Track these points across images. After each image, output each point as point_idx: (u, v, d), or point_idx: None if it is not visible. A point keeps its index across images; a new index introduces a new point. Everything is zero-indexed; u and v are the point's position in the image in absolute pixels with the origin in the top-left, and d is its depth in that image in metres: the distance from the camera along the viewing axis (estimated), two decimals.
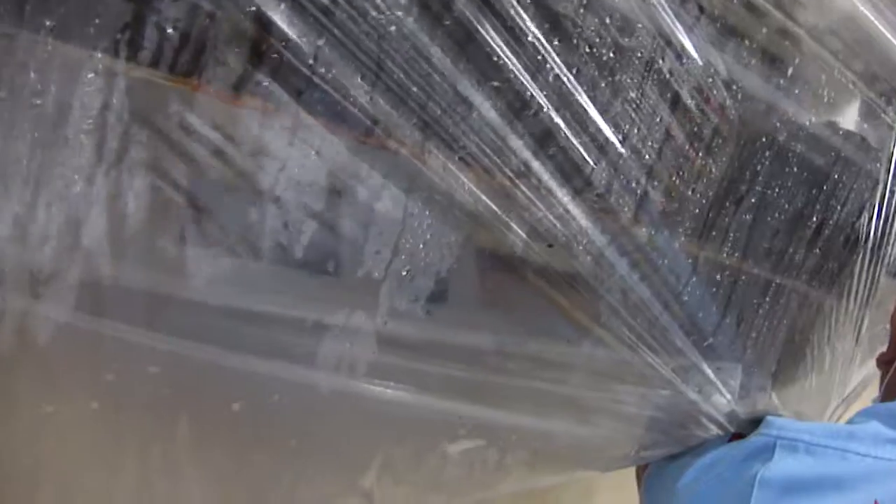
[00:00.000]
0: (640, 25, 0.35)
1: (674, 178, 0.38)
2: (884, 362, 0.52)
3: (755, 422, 0.45)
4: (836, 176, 0.44)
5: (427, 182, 0.33)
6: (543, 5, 0.33)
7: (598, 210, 0.36)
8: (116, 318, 0.33)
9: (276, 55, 0.29)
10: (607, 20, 0.34)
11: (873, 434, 0.41)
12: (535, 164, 0.34)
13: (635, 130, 0.36)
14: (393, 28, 0.30)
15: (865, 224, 0.46)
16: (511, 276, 0.37)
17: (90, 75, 0.29)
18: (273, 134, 0.31)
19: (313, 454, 0.40)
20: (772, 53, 0.40)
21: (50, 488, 0.38)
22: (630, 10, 0.35)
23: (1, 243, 0.30)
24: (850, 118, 0.45)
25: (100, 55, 0.28)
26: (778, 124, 0.41)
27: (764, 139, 0.41)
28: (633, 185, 0.36)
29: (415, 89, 0.31)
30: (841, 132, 0.44)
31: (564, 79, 0.33)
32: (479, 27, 0.31)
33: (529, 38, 0.32)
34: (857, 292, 0.47)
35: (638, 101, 0.36)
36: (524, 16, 0.32)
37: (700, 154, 0.39)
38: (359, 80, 0.30)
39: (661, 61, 0.36)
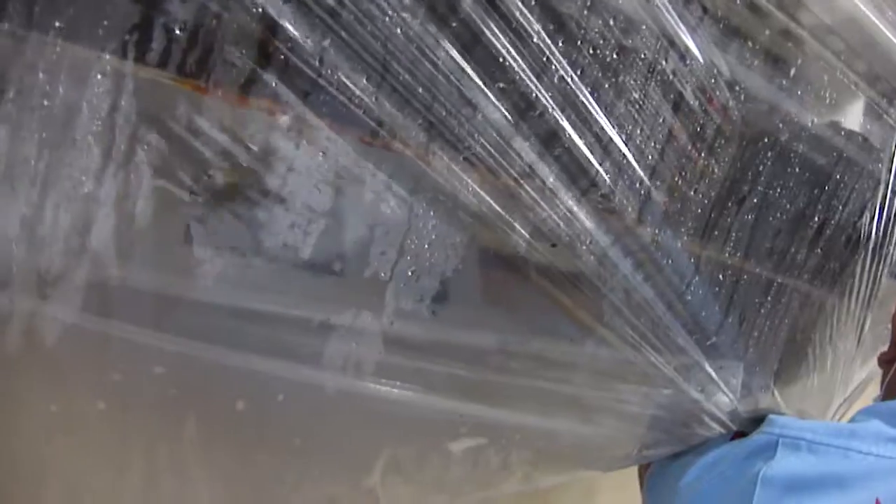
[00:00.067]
0: (643, 26, 0.35)
1: (677, 179, 0.38)
2: (885, 361, 0.52)
3: (757, 420, 0.45)
4: (838, 176, 0.44)
5: (432, 183, 0.33)
6: (548, 7, 0.33)
7: (602, 210, 0.36)
8: (123, 319, 0.33)
9: (282, 57, 0.29)
10: (611, 21, 0.34)
11: (875, 432, 0.41)
12: (540, 165, 0.34)
13: (639, 131, 0.36)
14: (399, 30, 0.30)
15: (867, 224, 0.46)
16: (515, 275, 0.37)
17: (98, 76, 0.29)
18: (280, 135, 0.31)
19: (319, 454, 0.40)
20: (774, 54, 0.41)
21: (57, 488, 0.38)
22: (634, 11, 0.35)
23: (9, 244, 0.30)
24: (852, 118, 0.45)
25: (108, 56, 0.28)
26: (780, 125, 0.42)
27: (766, 139, 0.41)
28: (637, 185, 0.36)
29: (420, 90, 0.31)
30: (843, 132, 0.44)
31: (569, 80, 0.33)
32: (484, 28, 0.31)
33: (534, 40, 0.32)
34: (858, 292, 0.47)
35: (641, 102, 0.36)
36: (529, 17, 0.32)
37: (703, 154, 0.39)
38: (364, 81, 0.31)
39: (664, 62, 0.36)
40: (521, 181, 0.34)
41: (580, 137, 0.34)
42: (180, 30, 0.29)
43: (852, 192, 0.45)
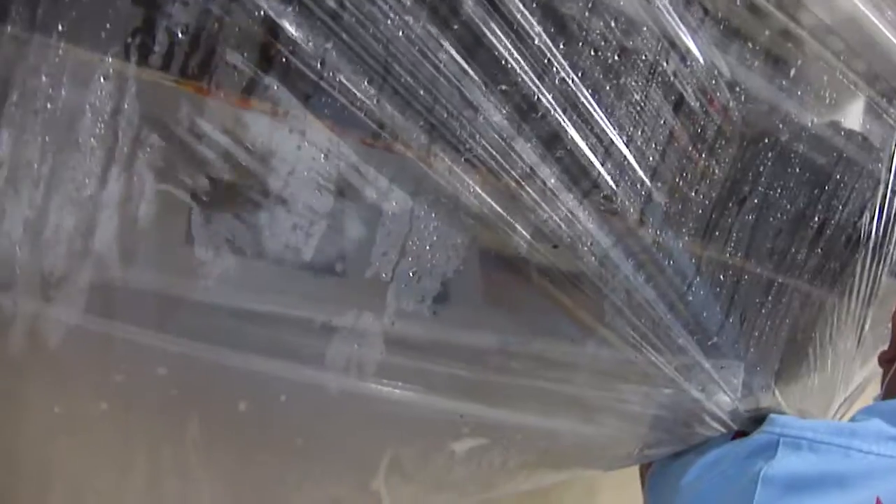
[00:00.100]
0: (644, 28, 0.35)
1: (678, 180, 0.38)
2: (885, 360, 0.52)
3: (758, 420, 0.45)
4: (838, 176, 0.45)
5: (433, 184, 0.33)
6: (550, 8, 0.33)
7: (603, 211, 0.36)
8: (126, 321, 0.33)
9: (284, 59, 0.29)
10: (613, 23, 0.34)
11: (875, 431, 0.41)
12: (541, 166, 0.34)
13: (640, 132, 0.36)
14: (400, 32, 0.30)
15: (867, 223, 0.46)
16: (516, 276, 0.37)
17: (101, 79, 0.29)
18: (281, 137, 0.31)
19: (321, 454, 0.40)
20: (775, 55, 0.41)
21: (60, 489, 0.38)
22: (635, 12, 0.35)
23: (12, 246, 0.30)
24: (852, 118, 0.45)
25: (111, 59, 0.29)
26: (780, 125, 0.42)
27: (767, 140, 0.41)
28: (638, 186, 0.37)
29: (422, 92, 0.31)
30: (843, 132, 0.45)
31: (570, 81, 0.34)
32: (485, 31, 0.31)
33: (536, 42, 0.32)
34: (858, 291, 0.47)
35: (643, 103, 0.36)
36: (531, 19, 0.32)
37: (703, 155, 0.39)
38: (366, 83, 0.31)
39: (665, 63, 0.36)
40: (523, 182, 0.34)
41: (582, 139, 0.34)
42: (182, 33, 0.29)
43: (852, 191, 0.45)
